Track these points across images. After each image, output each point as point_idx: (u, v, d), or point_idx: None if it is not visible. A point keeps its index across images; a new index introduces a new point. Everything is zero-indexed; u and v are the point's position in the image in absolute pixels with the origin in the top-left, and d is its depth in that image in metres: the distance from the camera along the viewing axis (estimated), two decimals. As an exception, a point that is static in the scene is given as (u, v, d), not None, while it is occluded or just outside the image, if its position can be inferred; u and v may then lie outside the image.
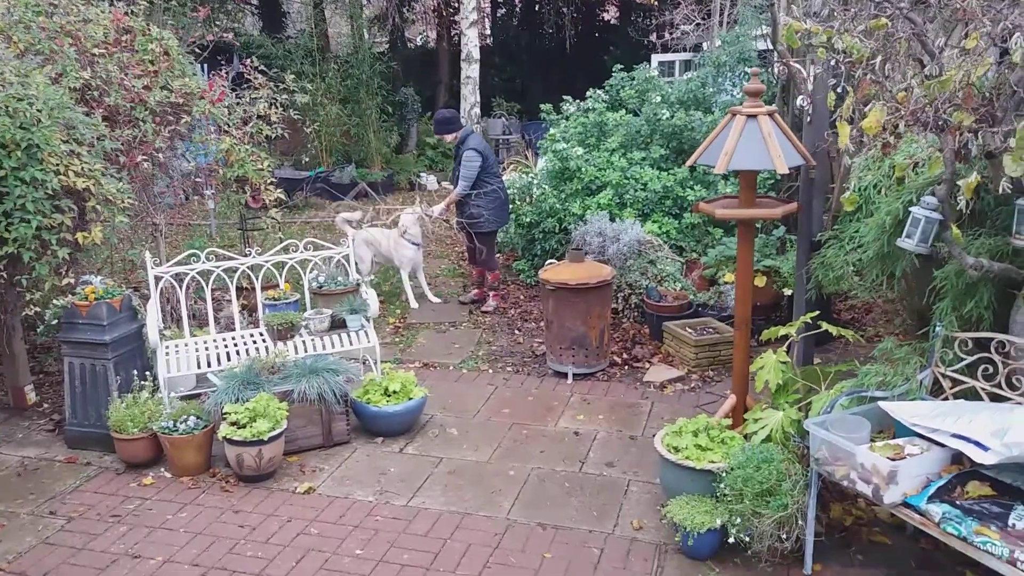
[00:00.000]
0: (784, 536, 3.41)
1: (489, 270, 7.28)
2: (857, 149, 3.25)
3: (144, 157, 5.62)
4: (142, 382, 4.77)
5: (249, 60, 6.73)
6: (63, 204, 4.58)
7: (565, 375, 5.73)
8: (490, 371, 5.94)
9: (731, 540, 3.49)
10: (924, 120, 2.92)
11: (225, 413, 4.44)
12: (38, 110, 4.52)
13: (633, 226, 6.70)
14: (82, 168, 4.66)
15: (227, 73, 7.17)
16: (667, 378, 5.62)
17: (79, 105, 5.06)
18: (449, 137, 7.12)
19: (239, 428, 4.36)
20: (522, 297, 7.55)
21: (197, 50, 7.23)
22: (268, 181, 6.39)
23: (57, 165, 4.54)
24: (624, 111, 8.15)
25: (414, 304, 7.35)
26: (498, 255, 8.53)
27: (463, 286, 7.95)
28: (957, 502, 3.01)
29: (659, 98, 7.87)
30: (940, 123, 2.96)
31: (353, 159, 13.14)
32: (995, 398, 3.34)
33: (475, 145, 6.96)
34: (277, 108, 6.53)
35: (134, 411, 4.54)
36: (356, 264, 5.83)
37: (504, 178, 8.03)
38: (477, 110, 11.73)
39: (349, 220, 7.49)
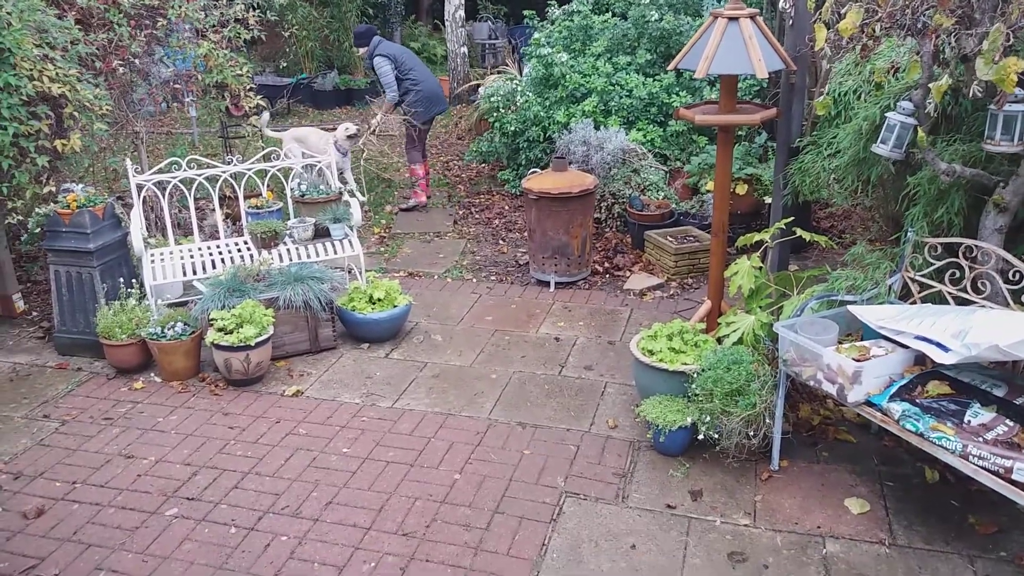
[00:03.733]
0: (752, 433, 3.56)
1: (410, 162, 7.61)
2: (835, 53, 3.23)
3: (121, 62, 5.52)
4: (129, 289, 4.83)
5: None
6: (39, 111, 4.53)
7: (547, 284, 5.81)
8: (474, 280, 6.02)
9: (700, 437, 3.64)
10: (902, 22, 2.91)
11: (212, 319, 4.52)
12: (7, 12, 4.41)
13: (617, 134, 6.67)
14: (56, 73, 4.58)
15: (202, -27, 6.96)
16: (647, 286, 5.71)
17: (50, 7, 4.94)
18: (361, 51, 7.48)
19: (226, 334, 4.45)
20: (506, 207, 7.57)
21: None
22: (248, 87, 6.30)
23: (31, 70, 4.46)
24: (611, 14, 7.98)
25: (360, 197, 7.72)
26: (483, 164, 8.52)
27: (448, 195, 7.96)
28: (917, 400, 3.14)
29: (647, 0, 7.69)
30: (919, 26, 2.94)
31: (336, 65, 12.86)
32: (960, 302, 3.44)
33: (382, 52, 7.28)
34: (255, 11, 6.39)
35: (122, 318, 4.61)
36: (286, 155, 6.41)
37: (489, 85, 7.94)
38: (462, 12, 11.43)
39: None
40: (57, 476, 3.76)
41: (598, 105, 7.15)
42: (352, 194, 7.67)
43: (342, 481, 3.68)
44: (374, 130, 7.69)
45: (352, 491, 3.60)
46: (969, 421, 3.00)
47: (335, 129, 7.62)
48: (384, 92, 7.44)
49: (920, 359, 3.29)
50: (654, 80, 7.34)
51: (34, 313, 5.48)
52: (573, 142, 6.71)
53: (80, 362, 4.83)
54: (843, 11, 3.08)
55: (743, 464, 3.68)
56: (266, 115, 7.64)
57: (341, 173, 7.62)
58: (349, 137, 7.42)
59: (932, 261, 3.54)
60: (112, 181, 6.80)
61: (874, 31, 3.06)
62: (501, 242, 6.77)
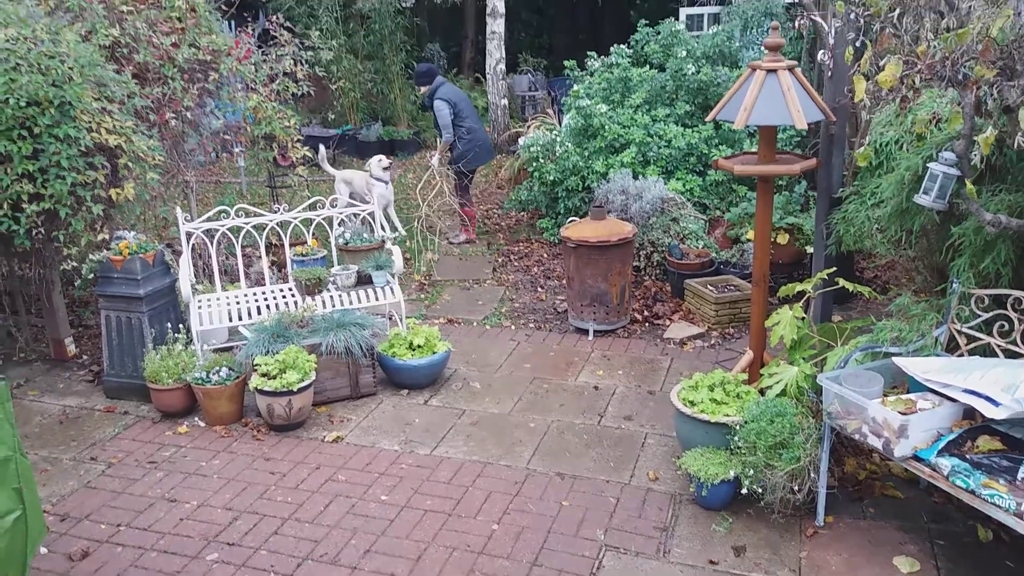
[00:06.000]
0: (796, 488, 3.48)
1: (461, 205, 8.02)
2: (874, 104, 3.24)
3: (173, 114, 5.72)
4: (176, 335, 4.94)
5: (275, 16, 6.77)
6: (96, 161, 4.71)
7: (586, 332, 5.81)
8: (513, 327, 6.04)
9: (744, 491, 3.57)
10: (942, 74, 2.91)
11: (256, 364, 4.59)
12: (69, 68, 4.62)
13: (656, 184, 6.71)
14: (114, 125, 4.77)
15: (253, 30, 7.24)
16: (687, 335, 5.68)
17: (109, 63, 5.15)
18: (423, 89, 7.93)
19: (270, 379, 4.51)
20: (545, 255, 7.61)
21: (223, 7, 7.27)
22: (295, 139, 6.48)
23: (89, 122, 4.65)
24: (649, 67, 8.09)
25: (402, 232, 8.07)
26: (522, 212, 8.62)
27: (487, 243, 8.04)
28: (967, 456, 3.06)
29: (684, 53, 7.79)
30: (959, 77, 2.94)
31: (380, 117, 13.16)
32: (1010, 355, 3.36)
33: (442, 95, 7.71)
34: (303, 65, 6.60)
35: (168, 363, 4.71)
36: (337, 198, 6.85)
37: (528, 136, 8.07)
38: (502, 66, 11.65)
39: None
40: (102, 519, 3.81)
41: (637, 155, 7.20)
42: (393, 228, 7.90)
43: (380, 529, 3.67)
44: (435, 167, 8.10)
45: (390, 539, 3.60)
46: (1023, 478, 2.91)
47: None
48: (440, 133, 7.88)
49: (969, 413, 3.21)
50: (693, 131, 7.39)
51: (84, 357, 5.61)
52: (611, 191, 6.76)
53: (127, 405, 4.92)
54: (882, 63, 3.09)
55: (788, 519, 3.60)
56: (323, 149, 8.22)
57: (386, 207, 7.97)
58: (385, 169, 7.80)
59: (979, 313, 3.48)
60: (162, 228, 7.00)
61: (914, 83, 3.07)
62: (540, 289, 6.80)
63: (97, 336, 5.61)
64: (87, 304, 6.30)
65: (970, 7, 3.13)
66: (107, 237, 5.02)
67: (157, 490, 4.04)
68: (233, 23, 10.72)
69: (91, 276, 5.06)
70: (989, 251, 3.47)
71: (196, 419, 4.74)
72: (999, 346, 3.40)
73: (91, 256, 5.00)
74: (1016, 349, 3.33)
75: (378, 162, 7.94)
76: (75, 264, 4.96)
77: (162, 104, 5.67)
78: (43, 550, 3.55)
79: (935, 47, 3.06)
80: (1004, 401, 2.95)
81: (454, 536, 3.60)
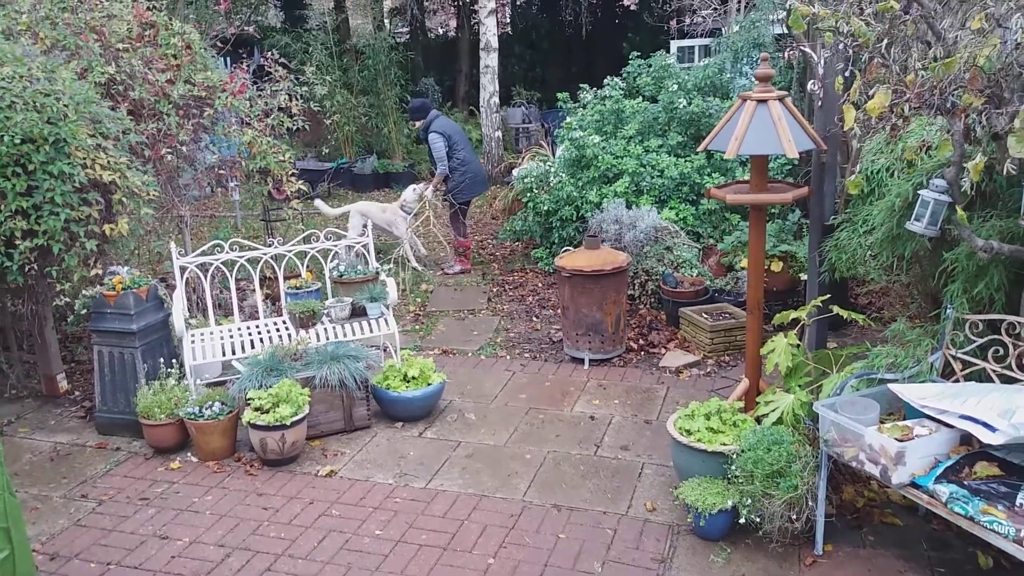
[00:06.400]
0: (795, 517, 3.46)
1: (456, 235, 8.11)
2: (864, 132, 3.27)
3: (168, 150, 5.74)
4: (169, 369, 4.91)
5: (270, 53, 6.83)
6: (90, 197, 4.71)
7: (581, 361, 5.79)
8: (508, 357, 6.02)
9: (742, 521, 3.54)
10: (930, 102, 2.94)
11: (249, 399, 4.56)
12: (65, 105, 4.64)
13: (650, 213, 6.74)
14: (108, 161, 4.78)
15: (248, 66, 7.30)
16: (683, 363, 5.66)
17: (104, 99, 5.18)
18: (417, 124, 8.06)
19: (263, 413, 4.47)
20: (540, 284, 7.61)
21: (219, 43, 7.34)
22: (290, 173, 6.50)
23: (84, 159, 4.66)
24: (641, 98, 8.17)
25: (416, 266, 8.10)
26: (517, 242, 8.64)
27: (482, 273, 8.04)
28: (965, 482, 3.04)
29: (675, 86, 7.88)
30: (947, 105, 2.97)
31: (374, 150, 13.24)
32: (1006, 380, 3.36)
33: (436, 128, 7.81)
34: (297, 100, 6.64)
35: (161, 398, 4.67)
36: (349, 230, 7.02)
37: (522, 167, 8.14)
38: (496, 99, 11.76)
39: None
40: (93, 557, 3.76)
41: (630, 185, 7.24)
42: (387, 270, 7.92)
43: (375, 564, 3.62)
44: (422, 199, 8.23)
45: (384, 575, 3.55)
46: (1021, 504, 2.89)
47: (391, 202, 8.23)
48: (435, 166, 7.94)
49: (966, 439, 3.20)
50: (685, 160, 7.44)
51: (76, 393, 5.57)
52: (605, 221, 6.78)
53: (119, 442, 4.87)
54: (871, 92, 3.12)
55: (786, 549, 3.56)
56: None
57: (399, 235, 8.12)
58: (419, 199, 8.03)
59: (974, 338, 3.48)
60: (156, 263, 6.99)
61: (903, 111, 3.10)
62: (535, 319, 6.79)
63: (89, 372, 5.57)
64: (80, 340, 6.27)
65: (956, 37, 3.17)
66: (100, 272, 5.01)
67: (149, 527, 3.99)
68: (229, 60, 10.83)
69: (84, 312, 5.05)
70: (982, 276, 3.48)
71: (189, 454, 4.69)
72: (994, 371, 3.39)
73: (84, 292, 4.98)
74: (1011, 374, 3.32)
75: (413, 191, 8.08)
76: (68, 300, 4.94)
77: (157, 140, 5.69)
78: (32, 590, 3.49)
79: (923, 76, 3.09)
80: (1001, 427, 2.94)
81: (450, 571, 3.56)
